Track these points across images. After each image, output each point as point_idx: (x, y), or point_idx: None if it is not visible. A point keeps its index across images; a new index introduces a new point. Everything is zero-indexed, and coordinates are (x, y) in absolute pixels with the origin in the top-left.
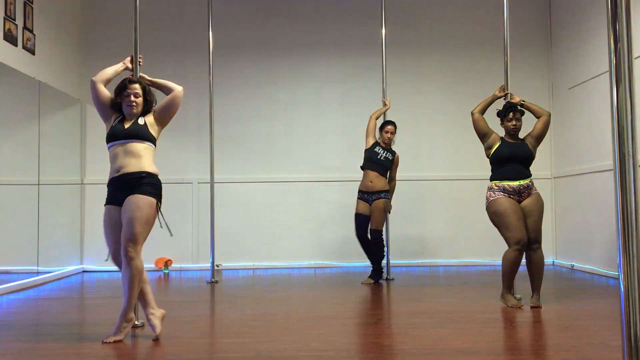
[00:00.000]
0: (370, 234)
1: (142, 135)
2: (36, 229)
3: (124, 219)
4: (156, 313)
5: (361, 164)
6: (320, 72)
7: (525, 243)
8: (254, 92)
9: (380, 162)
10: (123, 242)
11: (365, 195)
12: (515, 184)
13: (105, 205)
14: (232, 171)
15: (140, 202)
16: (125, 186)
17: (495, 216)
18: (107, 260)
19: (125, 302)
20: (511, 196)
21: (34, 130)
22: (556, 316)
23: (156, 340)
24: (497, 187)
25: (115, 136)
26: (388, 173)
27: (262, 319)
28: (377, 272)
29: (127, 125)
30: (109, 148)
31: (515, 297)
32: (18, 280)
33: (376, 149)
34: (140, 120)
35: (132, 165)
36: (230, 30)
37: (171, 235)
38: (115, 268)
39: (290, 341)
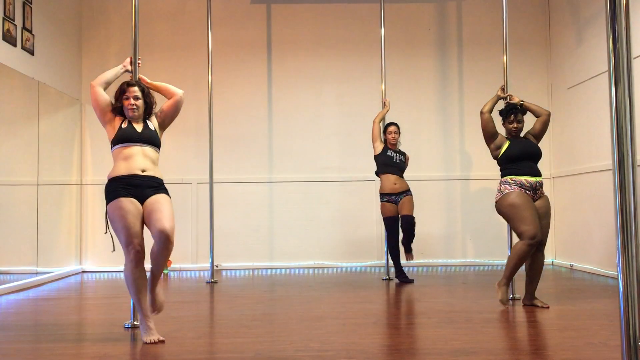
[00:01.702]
0: (404, 221)
1: (156, 142)
2: (35, 230)
3: (159, 211)
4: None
5: (376, 170)
6: (320, 72)
7: (539, 240)
8: (253, 92)
9: (396, 164)
10: (168, 229)
11: (392, 197)
12: (532, 179)
13: (119, 197)
14: (232, 171)
15: (168, 201)
16: (150, 187)
17: (512, 208)
18: (114, 251)
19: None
20: (527, 192)
21: (33, 131)
22: (555, 316)
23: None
24: (513, 182)
25: (130, 138)
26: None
27: (262, 319)
28: (401, 272)
29: (139, 129)
30: (119, 147)
31: (508, 294)
32: (17, 281)
33: (389, 153)
34: (151, 125)
35: (153, 170)
36: (230, 29)
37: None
38: (115, 268)
39: (290, 341)
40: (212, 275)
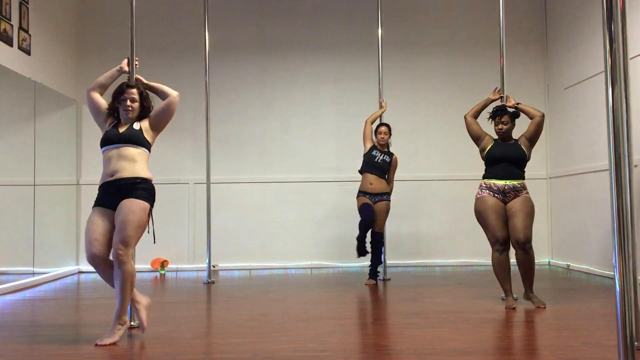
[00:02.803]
0: (372, 236)
1: (137, 140)
2: (32, 230)
3: (117, 222)
4: (142, 303)
5: (359, 168)
6: (317, 73)
7: (504, 242)
8: (250, 92)
9: (377, 164)
10: (114, 244)
11: (367, 195)
12: (500, 183)
13: (94, 207)
14: (229, 171)
15: (135, 206)
16: (119, 191)
17: (478, 215)
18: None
19: (119, 305)
20: (495, 195)
21: (30, 131)
22: (552, 316)
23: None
24: (484, 186)
25: (109, 140)
26: (387, 175)
27: (259, 319)
28: (375, 273)
29: (121, 130)
30: (102, 152)
31: (513, 298)
32: (14, 281)
33: (373, 152)
34: (136, 125)
35: (126, 170)
36: (227, 30)
37: (154, 242)
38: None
39: (287, 341)
40: (209, 275)
